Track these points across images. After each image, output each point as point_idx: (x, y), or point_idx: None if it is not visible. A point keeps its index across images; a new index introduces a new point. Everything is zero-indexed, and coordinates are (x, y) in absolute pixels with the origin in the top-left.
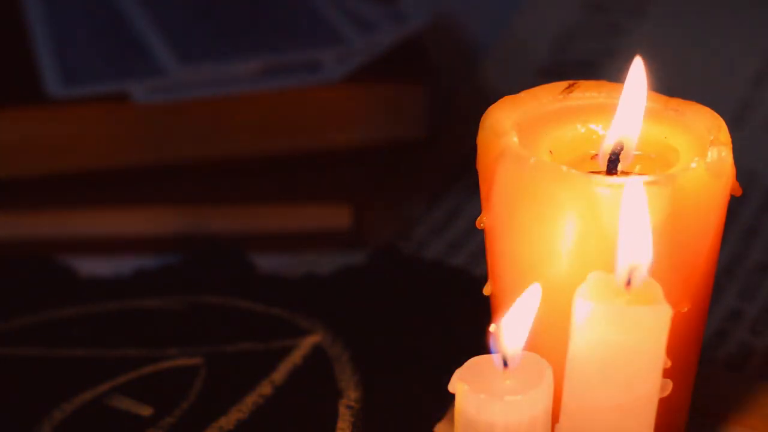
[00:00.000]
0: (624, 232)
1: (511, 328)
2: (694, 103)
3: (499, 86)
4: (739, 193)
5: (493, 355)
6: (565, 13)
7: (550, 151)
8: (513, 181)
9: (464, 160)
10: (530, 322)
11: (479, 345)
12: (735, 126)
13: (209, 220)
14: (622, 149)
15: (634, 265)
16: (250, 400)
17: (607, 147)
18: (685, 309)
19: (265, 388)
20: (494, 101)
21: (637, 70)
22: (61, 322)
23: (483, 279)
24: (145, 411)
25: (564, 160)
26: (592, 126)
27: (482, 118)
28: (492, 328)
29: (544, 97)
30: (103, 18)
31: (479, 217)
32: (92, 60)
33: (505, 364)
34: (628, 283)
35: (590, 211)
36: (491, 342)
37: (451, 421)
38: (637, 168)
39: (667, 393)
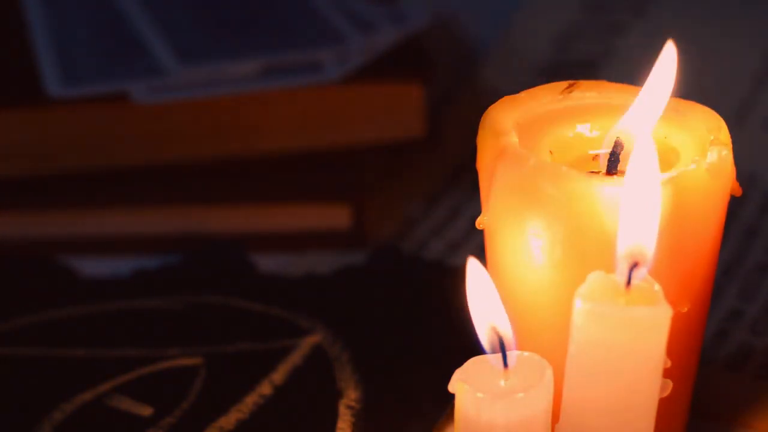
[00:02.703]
0: (626, 228)
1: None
2: (694, 103)
3: (499, 86)
4: (739, 193)
5: (493, 355)
6: (565, 13)
7: (550, 151)
8: (513, 181)
9: (464, 160)
10: (495, 294)
11: (479, 345)
12: (735, 126)
13: (209, 220)
14: (622, 149)
15: (635, 258)
16: (250, 400)
17: (613, 142)
18: (685, 309)
19: (265, 388)
20: (494, 101)
21: (668, 59)
22: (61, 322)
23: None
24: (145, 411)
25: (564, 160)
26: (592, 126)
27: (482, 118)
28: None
29: (544, 97)
30: (103, 18)
31: (479, 217)
32: (92, 60)
33: (505, 364)
34: (628, 283)
35: (590, 211)
36: (483, 336)
37: (451, 421)
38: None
39: (667, 393)
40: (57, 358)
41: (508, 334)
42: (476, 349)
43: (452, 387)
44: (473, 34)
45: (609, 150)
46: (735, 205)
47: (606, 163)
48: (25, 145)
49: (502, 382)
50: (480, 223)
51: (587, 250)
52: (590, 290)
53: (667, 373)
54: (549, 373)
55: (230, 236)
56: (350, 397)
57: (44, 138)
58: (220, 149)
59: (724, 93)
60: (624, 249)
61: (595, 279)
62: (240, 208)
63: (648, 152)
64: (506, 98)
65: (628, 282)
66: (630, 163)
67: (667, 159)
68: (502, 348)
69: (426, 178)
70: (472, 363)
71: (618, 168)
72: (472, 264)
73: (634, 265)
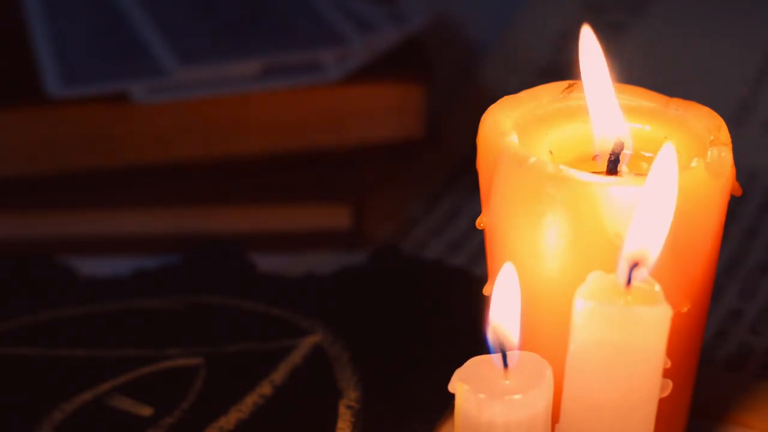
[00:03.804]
0: (636, 230)
1: (501, 312)
2: (694, 103)
3: (499, 86)
4: (739, 193)
5: (493, 355)
6: (565, 13)
7: (550, 151)
8: (513, 181)
9: (464, 160)
10: (518, 301)
11: (479, 345)
12: (735, 126)
13: (209, 220)
14: (622, 149)
15: (637, 259)
16: (250, 400)
17: (599, 145)
18: (685, 309)
19: (265, 388)
20: (494, 101)
21: (589, 45)
22: (61, 322)
23: (483, 279)
24: (145, 411)
25: (564, 160)
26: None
27: (482, 118)
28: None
29: (544, 97)
30: (103, 18)
31: (479, 217)
32: (92, 60)
33: (505, 364)
34: (628, 283)
35: (590, 211)
36: (488, 336)
37: (451, 421)
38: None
39: (667, 393)
40: (57, 358)
41: (509, 335)
42: (476, 349)
43: (452, 387)
44: (473, 34)
45: (608, 150)
46: (735, 205)
47: (606, 163)
48: (25, 145)
49: (502, 382)
50: (480, 223)
51: (587, 250)
52: (590, 290)
53: (667, 373)
54: (549, 373)
55: (230, 236)
56: (350, 397)
57: (44, 138)
58: (220, 149)
59: (724, 93)
60: (629, 249)
61: (595, 279)
62: (240, 208)
63: (670, 159)
64: (506, 98)
65: (628, 282)
66: (652, 168)
67: None
68: (502, 348)
69: (426, 178)
70: (472, 363)
71: (618, 168)
72: (507, 269)
73: (635, 265)
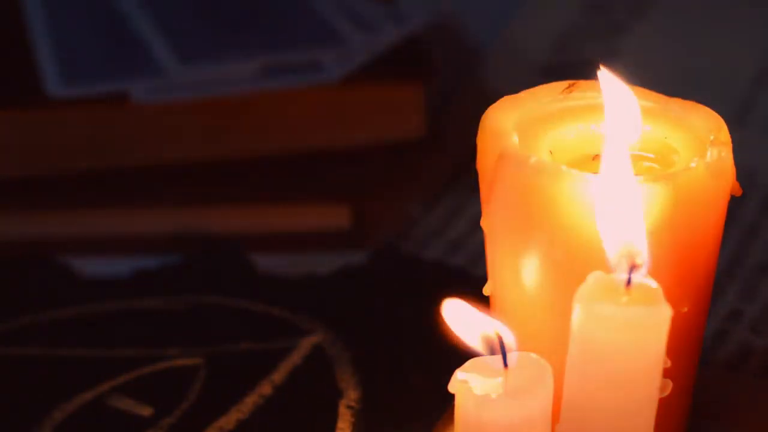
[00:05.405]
0: (615, 230)
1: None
2: (694, 103)
3: (499, 86)
4: (739, 193)
5: (493, 356)
6: (565, 13)
7: (550, 151)
8: (513, 181)
9: (464, 160)
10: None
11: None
12: (735, 126)
13: (209, 220)
14: None
15: (629, 258)
16: (250, 400)
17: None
18: (685, 309)
19: (265, 388)
20: (494, 101)
21: (609, 79)
22: (61, 322)
23: (483, 279)
24: (145, 411)
25: (564, 160)
26: (592, 126)
27: (482, 118)
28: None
29: (544, 97)
30: (103, 18)
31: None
32: (92, 60)
33: (505, 364)
34: (628, 283)
35: (590, 211)
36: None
37: (451, 421)
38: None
39: (667, 393)
40: (57, 358)
41: (508, 334)
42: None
43: (452, 387)
44: (473, 34)
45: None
46: (735, 205)
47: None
48: (25, 145)
49: (503, 382)
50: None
51: (587, 250)
52: (590, 290)
53: (667, 373)
54: (549, 373)
55: (230, 236)
56: (350, 397)
57: (44, 138)
58: (220, 149)
59: (724, 93)
60: (615, 250)
61: (595, 279)
62: (240, 208)
63: (621, 153)
64: (506, 98)
65: (628, 282)
66: (603, 165)
67: (667, 159)
68: (502, 348)
69: (426, 178)
70: (472, 363)
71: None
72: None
73: (633, 266)
